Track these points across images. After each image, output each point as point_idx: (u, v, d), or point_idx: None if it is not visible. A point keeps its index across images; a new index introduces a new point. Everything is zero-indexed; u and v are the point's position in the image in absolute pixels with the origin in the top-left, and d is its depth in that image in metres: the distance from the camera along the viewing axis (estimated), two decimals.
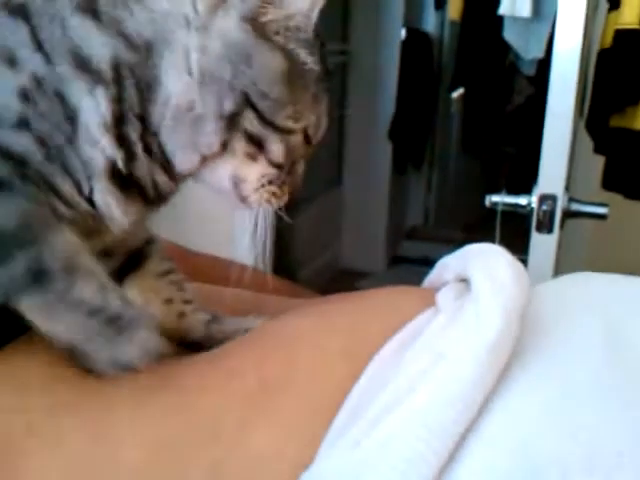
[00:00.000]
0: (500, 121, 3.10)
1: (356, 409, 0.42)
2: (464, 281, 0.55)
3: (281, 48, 0.50)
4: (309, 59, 0.52)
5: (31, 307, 0.47)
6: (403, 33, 3.46)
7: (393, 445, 0.37)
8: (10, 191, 0.46)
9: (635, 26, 1.31)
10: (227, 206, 0.58)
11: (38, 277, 0.47)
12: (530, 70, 2.20)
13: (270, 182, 0.55)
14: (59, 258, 0.47)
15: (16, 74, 0.46)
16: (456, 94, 3.13)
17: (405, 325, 0.49)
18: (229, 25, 0.48)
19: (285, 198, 0.58)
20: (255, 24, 0.49)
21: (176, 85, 0.48)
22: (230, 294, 0.67)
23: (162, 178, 0.52)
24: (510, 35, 1.84)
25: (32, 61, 0.46)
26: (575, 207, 1.32)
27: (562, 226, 1.31)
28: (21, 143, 0.46)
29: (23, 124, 0.46)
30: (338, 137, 3.69)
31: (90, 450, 0.42)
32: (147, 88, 0.48)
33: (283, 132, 0.52)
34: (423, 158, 3.94)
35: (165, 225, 0.67)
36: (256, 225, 0.57)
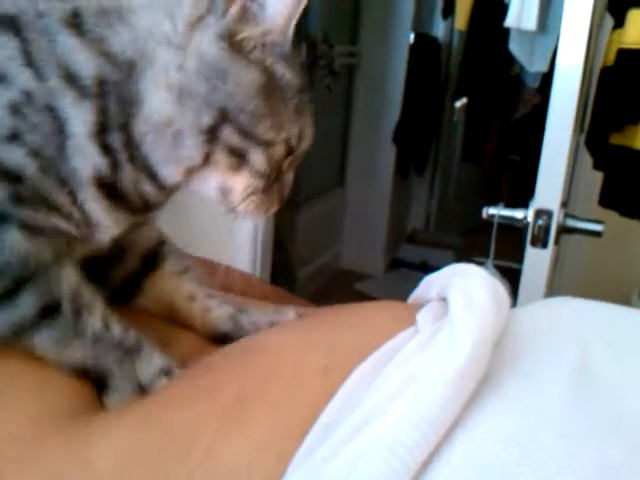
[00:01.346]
0: (503, 130, 3.11)
1: (329, 426, 0.42)
2: (445, 300, 0.56)
3: (257, 63, 0.51)
4: (287, 72, 0.53)
5: (41, 342, 0.50)
6: (412, 37, 3.48)
7: (360, 465, 0.38)
8: (5, 223, 0.48)
9: (638, 46, 1.31)
10: (224, 212, 0.59)
11: (48, 313, 0.50)
12: (534, 82, 2.20)
13: (256, 192, 0.56)
14: (66, 294, 0.51)
15: (6, 88, 0.47)
16: (459, 103, 3.15)
17: (383, 344, 0.50)
18: (206, 43, 0.50)
19: (274, 207, 0.59)
20: (232, 41, 0.50)
21: (156, 101, 0.50)
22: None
23: (148, 187, 0.54)
24: (515, 47, 1.84)
25: (22, 75, 0.47)
26: (571, 223, 1.33)
27: (557, 241, 1.32)
28: (14, 156, 0.48)
29: (15, 137, 0.47)
30: (342, 138, 3.70)
31: (65, 460, 0.43)
32: (130, 104, 0.50)
33: (264, 144, 0.53)
34: (426, 163, 3.95)
35: (165, 227, 0.68)
36: (257, 225, 0.58)
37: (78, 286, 0.52)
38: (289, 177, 0.59)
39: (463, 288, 0.53)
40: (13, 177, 0.48)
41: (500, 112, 3.02)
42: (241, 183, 0.55)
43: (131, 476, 0.42)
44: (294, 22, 0.54)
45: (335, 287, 3.54)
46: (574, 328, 0.53)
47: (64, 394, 0.50)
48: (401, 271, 3.80)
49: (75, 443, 0.44)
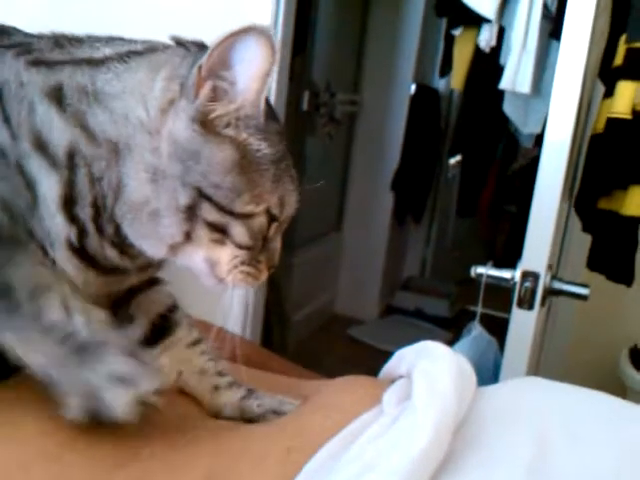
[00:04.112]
0: (500, 182, 3.14)
1: None
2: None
3: (231, 140, 0.52)
4: (262, 144, 0.54)
5: (6, 337, 0.48)
6: (413, 88, 3.54)
7: None
8: None
9: (626, 116, 1.35)
10: (208, 287, 0.59)
11: (3, 294, 0.48)
12: (528, 143, 2.25)
13: (243, 262, 0.56)
14: (25, 281, 0.49)
15: None
16: (453, 161, 3.20)
17: (349, 424, 0.51)
18: (178, 127, 0.51)
19: (263, 275, 0.59)
20: (204, 122, 0.52)
21: (134, 184, 0.51)
22: (244, 373, 0.67)
23: (112, 253, 0.55)
24: (509, 109, 1.88)
25: None
26: (557, 286, 1.35)
27: (543, 303, 1.33)
28: None
29: None
30: (341, 183, 3.74)
31: None
32: (115, 187, 0.52)
33: (243, 217, 0.54)
34: (423, 211, 3.97)
35: None
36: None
37: (35, 269, 0.51)
38: (276, 244, 0.60)
39: (428, 372, 0.54)
40: None
41: (497, 164, 3.06)
42: (226, 255, 0.55)
43: None
44: (265, 93, 0.54)
45: (328, 331, 3.53)
46: (535, 414, 0.54)
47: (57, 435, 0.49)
48: (395, 317, 3.79)
49: None
